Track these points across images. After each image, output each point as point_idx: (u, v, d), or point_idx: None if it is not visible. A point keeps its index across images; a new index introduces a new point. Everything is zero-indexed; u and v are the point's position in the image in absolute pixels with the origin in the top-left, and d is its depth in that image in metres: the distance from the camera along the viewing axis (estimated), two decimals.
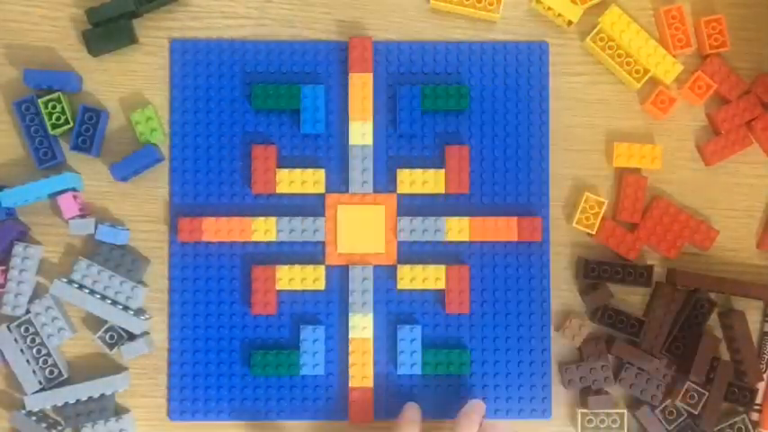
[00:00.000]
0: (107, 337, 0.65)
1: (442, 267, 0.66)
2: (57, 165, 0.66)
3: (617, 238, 0.66)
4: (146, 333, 0.65)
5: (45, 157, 0.65)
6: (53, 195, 0.65)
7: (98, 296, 0.64)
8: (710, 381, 0.65)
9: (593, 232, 0.66)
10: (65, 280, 0.64)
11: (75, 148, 0.65)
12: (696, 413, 0.65)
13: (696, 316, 0.66)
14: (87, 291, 0.64)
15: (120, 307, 0.64)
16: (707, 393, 0.64)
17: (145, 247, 0.67)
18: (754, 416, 0.67)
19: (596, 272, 0.66)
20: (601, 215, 0.66)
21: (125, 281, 0.64)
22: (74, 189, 0.65)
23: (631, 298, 0.68)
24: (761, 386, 0.67)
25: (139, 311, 0.65)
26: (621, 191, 0.67)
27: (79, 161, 0.67)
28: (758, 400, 0.67)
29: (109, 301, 0.64)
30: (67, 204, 0.65)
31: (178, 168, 0.67)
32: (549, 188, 0.67)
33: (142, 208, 0.67)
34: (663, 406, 0.66)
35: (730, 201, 0.69)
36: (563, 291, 0.68)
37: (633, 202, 0.67)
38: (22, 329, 0.64)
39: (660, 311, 0.66)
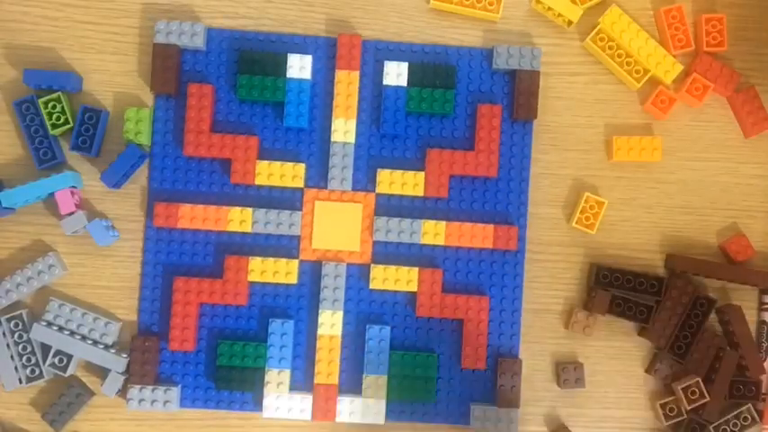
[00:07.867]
0: (56, 361, 0.65)
1: (416, 270, 0.66)
2: (57, 165, 0.67)
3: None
4: (126, 372, 0.66)
5: (45, 157, 0.66)
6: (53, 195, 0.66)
7: (78, 337, 0.65)
8: (711, 380, 0.65)
9: (594, 232, 0.67)
10: (44, 323, 0.65)
11: (75, 148, 0.66)
12: (699, 411, 0.65)
13: (696, 315, 0.66)
14: (67, 332, 0.65)
15: (102, 346, 0.65)
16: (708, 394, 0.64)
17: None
18: (760, 405, 0.67)
19: (608, 279, 0.66)
20: (601, 215, 0.67)
21: (98, 317, 0.65)
22: (73, 187, 0.66)
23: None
24: (764, 378, 0.67)
25: (120, 350, 0.66)
26: None
27: (79, 161, 0.68)
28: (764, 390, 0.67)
29: (90, 342, 0.65)
30: (65, 199, 0.65)
31: (158, 154, 0.67)
32: (528, 198, 0.67)
33: (143, 208, 0.68)
34: (665, 401, 0.66)
35: (730, 201, 0.69)
36: (560, 291, 0.68)
37: None
38: (12, 324, 0.65)
39: (670, 303, 0.66)
